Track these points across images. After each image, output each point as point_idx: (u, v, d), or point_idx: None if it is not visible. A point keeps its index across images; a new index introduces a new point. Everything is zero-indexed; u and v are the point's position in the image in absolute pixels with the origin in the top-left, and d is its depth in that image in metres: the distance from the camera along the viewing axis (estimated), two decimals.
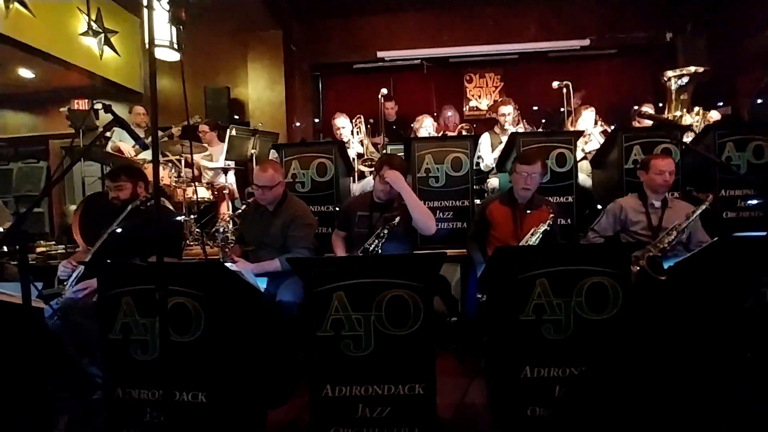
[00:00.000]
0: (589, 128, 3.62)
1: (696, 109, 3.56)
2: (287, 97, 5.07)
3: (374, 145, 4.07)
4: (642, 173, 2.42)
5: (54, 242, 3.81)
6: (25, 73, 4.81)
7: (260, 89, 5.08)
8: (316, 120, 5.74)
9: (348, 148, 3.49)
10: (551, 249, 1.92)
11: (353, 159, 3.59)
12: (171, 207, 3.32)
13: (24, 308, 1.31)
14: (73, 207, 3.86)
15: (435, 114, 4.59)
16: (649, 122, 3.31)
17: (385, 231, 2.16)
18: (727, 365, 1.61)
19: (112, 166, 3.23)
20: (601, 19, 5.16)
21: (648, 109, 3.85)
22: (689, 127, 3.12)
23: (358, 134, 3.97)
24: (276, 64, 5.05)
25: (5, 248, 2.47)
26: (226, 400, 1.53)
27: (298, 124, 5.05)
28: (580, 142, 3.41)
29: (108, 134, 3.77)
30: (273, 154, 3.40)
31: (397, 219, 2.19)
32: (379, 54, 5.40)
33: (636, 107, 3.58)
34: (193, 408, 1.51)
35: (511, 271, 1.55)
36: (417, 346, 1.48)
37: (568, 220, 2.87)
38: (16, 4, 3.59)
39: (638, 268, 2.07)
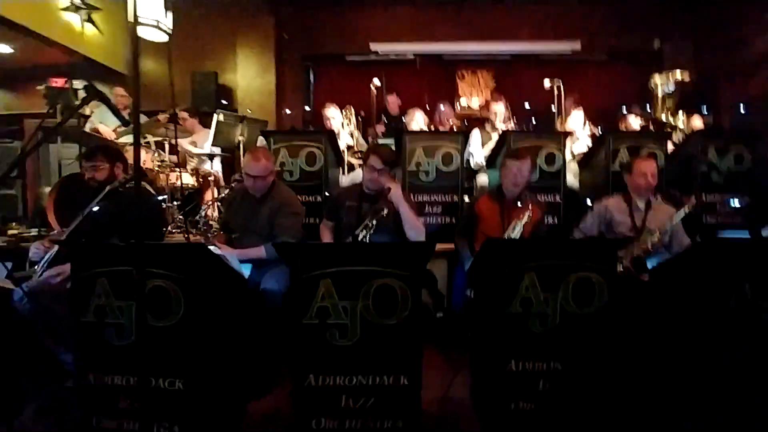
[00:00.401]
0: (578, 129, 3.66)
1: (680, 114, 3.66)
2: (277, 86, 4.97)
3: (365, 137, 4.03)
4: (626, 175, 2.47)
5: (27, 225, 3.64)
6: (2, 48, 4.57)
7: (250, 77, 4.97)
8: (307, 108, 5.65)
9: (338, 139, 3.44)
10: (541, 243, 1.93)
11: (343, 151, 3.54)
12: (152, 191, 3.21)
13: None
14: (48, 189, 3.70)
15: (427, 109, 4.56)
16: (635, 126, 3.37)
17: (374, 222, 2.13)
18: (710, 363, 1.65)
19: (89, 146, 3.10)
20: (593, 24, 5.25)
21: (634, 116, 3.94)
22: (671, 134, 3.20)
23: (348, 125, 3.93)
24: (266, 52, 4.94)
25: None
26: (205, 388, 1.48)
27: (288, 111, 4.96)
28: (568, 143, 3.46)
29: (88, 113, 3.62)
30: (261, 141, 3.32)
31: (386, 210, 2.16)
32: (372, 47, 5.35)
33: (624, 110, 3.64)
34: (170, 396, 1.45)
35: (500, 264, 1.54)
36: (403, 337, 1.46)
37: (556, 219, 2.90)
38: None
39: (621, 267, 2.11)
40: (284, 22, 5.09)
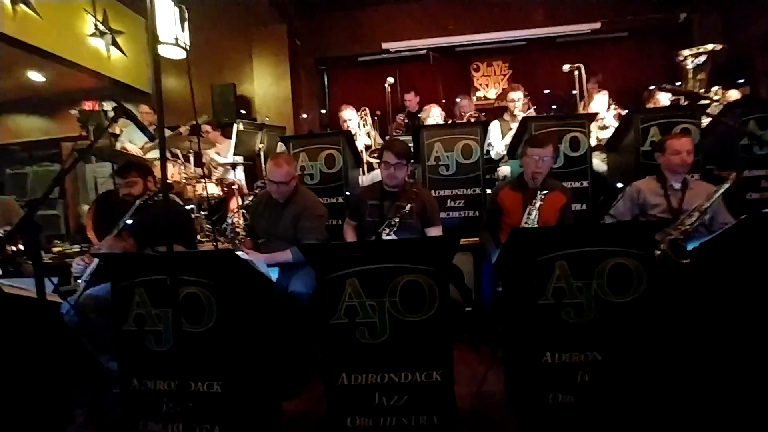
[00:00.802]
0: (603, 112, 3.52)
1: (714, 88, 3.44)
2: (293, 92, 5.05)
3: (382, 136, 4.03)
4: (659, 155, 2.34)
5: (69, 242, 3.87)
6: (35, 76, 4.87)
7: (266, 85, 5.07)
8: (323, 111, 5.71)
9: (355, 140, 3.46)
10: (571, 230, 1.86)
11: (361, 151, 3.56)
12: (180, 202, 3.33)
13: (39, 300, 1.31)
14: (87, 207, 3.91)
15: (443, 103, 4.51)
16: (665, 103, 3.20)
17: (396, 219, 2.13)
18: (753, 352, 1.54)
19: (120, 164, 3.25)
20: (611, 1, 5.02)
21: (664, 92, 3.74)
22: (707, 106, 3.00)
23: (364, 126, 3.94)
24: (281, 59, 5.03)
25: (21, 246, 2.51)
26: (242, 389, 1.51)
27: (304, 116, 5.03)
28: (594, 128, 3.32)
29: (117, 131, 3.79)
30: (281, 148, 3.39)
31: (408, 207, 2.16)
32: (384, 45, 5.34)
33: (651, 87, 3.45)
34: (209, 398, 1.50)
35: (528, 254, 1.50)
36: (433, 332, 1.45)
37: (583, 206, 2.79)
38: (22, 6, 3.61)
39: (659, 252, 2.00)
40: (296, 28, 5.16)
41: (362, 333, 1.46)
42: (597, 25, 5.05)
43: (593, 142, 3.20)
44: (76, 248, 3.41)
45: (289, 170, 2.21)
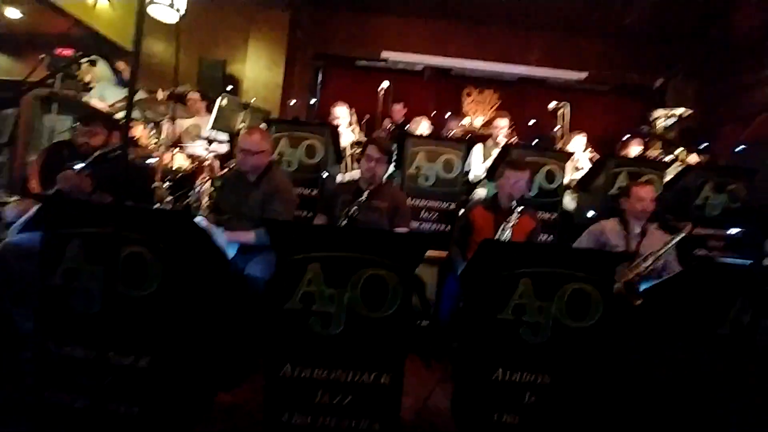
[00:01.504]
0: (578, 153, 3.68)
1: (679, 150, 3.70)
2: (285, 81, 4.96)
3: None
4: (624, 200, 2.46)
5: (8, 192, 3.51)
6: (12, 12, 4.50)
7: (258, 69, 4.95)
8: (312, 101, 5.63)
9: (340, 137, 3.41)
10: (539, 248, 1.89)
11: (344, 149, 3.51)
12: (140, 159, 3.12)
13: None
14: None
15: (431, 119, 4.57)
16: (636, 154, 3.39)
17: (355, 208, 2.09)
18: (700, 387, 1.59)
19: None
20: (599, 57, 5.37)
21: (637, 147, 3.99)
22: (669, 164, 3.23)
23: (350, 125, 3.91)
24: (278, 46, 4.94)
25: None
26: (172, 369, 1.38)
27: (293, 102, 4.93)
28: (569, 167, 3.47)
29: (88, 81, 3.54)
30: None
31: (383, 204, 2.13)
32: (384, 54, 5.40)
33: (627, 136, 3.67)
34: (133, 373, 1.35)
35: (495, 267, 1.49)
36: (389, 333, 1.39)
37: (550, 237, 2.87)
38: None
39: (614, 289, 2.07)
40: (299, 19, 5.12)
41: (315, 323, 1.38)
42: (584, 75, 5.37)
43: (567, 179, 3.33)
44: (16, 198, 3.10)
45: (260, 140, 2.11)
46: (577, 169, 3.64)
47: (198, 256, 1.44)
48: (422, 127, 4.00)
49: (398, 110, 4.58)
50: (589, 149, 3.80)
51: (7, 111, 5.38)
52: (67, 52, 4.68)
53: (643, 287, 2.05)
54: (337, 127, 3.18)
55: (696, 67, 4.87)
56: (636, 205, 2.38)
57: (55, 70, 3.84)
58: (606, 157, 3.01)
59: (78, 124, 2.24)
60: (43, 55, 4.49)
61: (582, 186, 3.28)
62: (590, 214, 2.88)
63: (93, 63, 4.31)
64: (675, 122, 3.56)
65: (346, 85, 5.62)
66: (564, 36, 5.33)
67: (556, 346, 1.48)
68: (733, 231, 2.73)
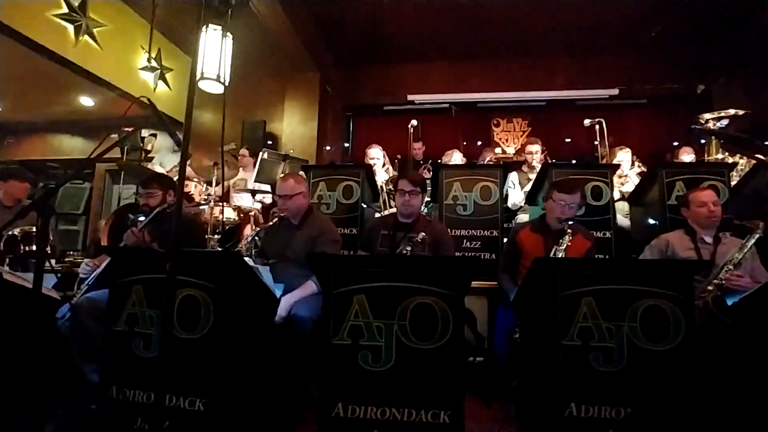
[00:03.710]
0: (626, 169, 3.49)
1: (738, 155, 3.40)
2: (319, 132, 5.28)
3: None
4: (684, 210, 2.26)
5: (83, 254, 3.89)
6: (86, 101, 5.28)
7: (294, 124, 5.34)
8: (346, 145, 5.91)
9: (375, 176, 3.50)
10: (600, 263, 1.73)
11: (380, 187, 3.58)
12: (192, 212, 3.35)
13: (34, 290, 1.25)
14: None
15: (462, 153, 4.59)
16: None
17: (408, 248, 2.05)
18: None
19: None
20: (630, 71, 5.24)
21: (688, 154, 3.72)
22: (733, 165, 2.94)
23: (384, 166, 4.02)
24: (311, 103, 5.34)
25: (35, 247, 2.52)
26: (227, 412, 1.36)
27: (328, 147, 5.20)
28: (616, 183, 3.28)
29: (149, 148, 3.98)
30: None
31: (421, 236, 2.09)
32: (409, 97, 5.64)
33: (693, 125, 3.40)
34: (189, 417, 1.35)
35: (552, 288, 1.38)
36: (444, 364, 1.30)
37: (606, 257, 2.65)
38: (87, 37, 4.03)
39: (700, 304, 1.83)
40: (328, 77, 5.54)
41: (365, 358, 1.33)
42: (615, 92, 5.23)
43: (616, 196, 3.13)
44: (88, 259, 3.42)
45: (294, 184, 2.21)
46: (625, 179, 3.44)
47: (248, 295, 1.47)
48: (455, 158, 4.02)
49: (418, 149, 4.68)
50: (638, 164, 3.60)
51: (82, 185, 6.13)
52: (133, 130, 5.35)
53: (730, 301, 1.80)
54: (371, 166, 3.27)
55: (740, 66, 4.60)
56: (699, 211, 2.16)
57: (121, 143, 4.38)
58: (656, 166, 2.80)
59: (140, 188, 2.49)
60: (114, 135, 5.17)
61: (635, 200, 3.06)
62: (651, 222, 2.64)
63: (154, 135, 4.90)
64: (728, 124, 3.30)
65: (376, 130, 5.87)
66: (587, 56, 5.31)
67: (636, 373, 1.31)
68: None
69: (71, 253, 3.76)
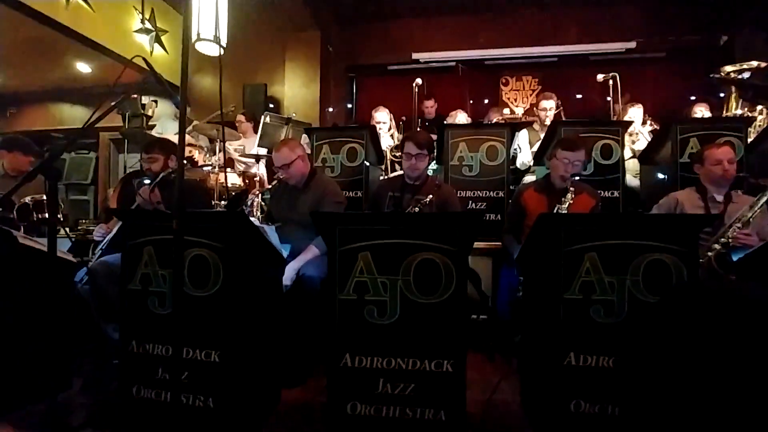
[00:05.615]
0: (637, 126, 3.38)
1: (759, 107, 3.25)
2: (321, 95, 5.14)
3: None
4: (698, 167, 2.20)
5: (94, 221, 3.98)
6: (83, 67, 5.16)
7: (296, 87, 5.19)
8: (350, 106, 5.78)
9: (380, 138, 3.44)
10: (603, 218, 1.73)
11: (384, 150, 3.53)
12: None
13: (49, 253, 1.28)
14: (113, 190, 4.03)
15: (469, 113, 4.46)
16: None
17: (416, 209, 2.06)
18: None
19: None
20: (648, 22, 4.92)
21: (703, 109, 3.57)
22: (751, 120, 2.82)
23: (389, 130, 3.94)
24: (312, 64, 5.15)
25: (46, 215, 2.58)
26: (241, 363, 1.44)
27: (330, 109, 5.09)
28: (627, 141, 3.18)
29: (150, 113, 3.94)
30: (305, 139, 3.41)
31: (428, 198, 2.08)
32: (414, 56, 5.41)
33: (712, 75, 3.24)
34: (206, 368, 1.43)
35: (555, 244, 1.39)
36: (447, 317, 1.34)
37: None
38: None
39: (702, 261, 1.83)
40: (330, 36, 5.31)
41: (371, 312, 1.37)
42: (632, 45, 4.95)
43: (627, 153, 3.06)
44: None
45: (287, 153, 2.18)
46: (636, 137, 3.34)
47: (255, 253, 1.51)
48: (459, 119, 3.92)
49: (431, 106, 4.53)
50: (650, 121, 3.47)
51: (88, 155, 6.15)
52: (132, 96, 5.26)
53: (735, 258, 1.79)
54: (375, 127, 3.21)
55: (767, 15, 4.29)
56: (713, 169, 2.10)
57: (118, 107, 4.34)
58: (670, 122, 2.70)
59: (142, 153, 2.49)
60: (113, 102, 5.10)
61: (645, 158, 2.98)
62: (660, 176, 2.58)
63: (155, 102, 4.83)
64: (750, 77, 3.13)
65: (380, 90, 5.68)
66: (602, 7, 4.97)
67: (635, 324, 1.34)
68: None
69: (83, 221, 3.83)
